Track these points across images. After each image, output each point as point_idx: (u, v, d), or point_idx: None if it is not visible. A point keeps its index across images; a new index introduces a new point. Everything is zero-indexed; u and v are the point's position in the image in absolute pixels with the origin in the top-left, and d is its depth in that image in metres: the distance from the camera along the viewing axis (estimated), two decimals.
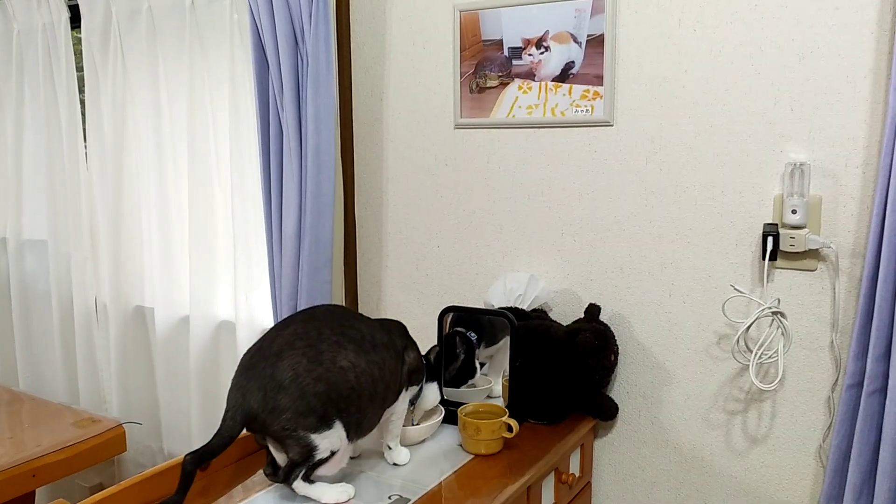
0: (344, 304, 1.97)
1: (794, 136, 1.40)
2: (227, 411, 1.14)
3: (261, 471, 1.28)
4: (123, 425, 2.06)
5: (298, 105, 1.78)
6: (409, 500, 1.21)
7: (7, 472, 1.77)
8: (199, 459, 1.10)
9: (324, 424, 1.15)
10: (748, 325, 1.39)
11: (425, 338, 1.85)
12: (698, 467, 1.58)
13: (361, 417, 1.21)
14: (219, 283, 2.20)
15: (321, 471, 1.20)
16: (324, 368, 1.15)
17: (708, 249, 1.51)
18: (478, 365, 1.59)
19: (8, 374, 2.79)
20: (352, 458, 1.37)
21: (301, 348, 1.16)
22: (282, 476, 1.19)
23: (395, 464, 1.34)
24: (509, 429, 1.37)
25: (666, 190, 1.54)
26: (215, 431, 1.13)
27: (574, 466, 1.58)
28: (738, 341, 1.43)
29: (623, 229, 1.60)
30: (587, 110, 1.59)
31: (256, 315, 2.11)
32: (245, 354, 1.20)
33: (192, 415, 2.24)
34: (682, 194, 1.52)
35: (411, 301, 1.90)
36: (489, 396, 1.65)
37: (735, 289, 1.44)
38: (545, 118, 1.64)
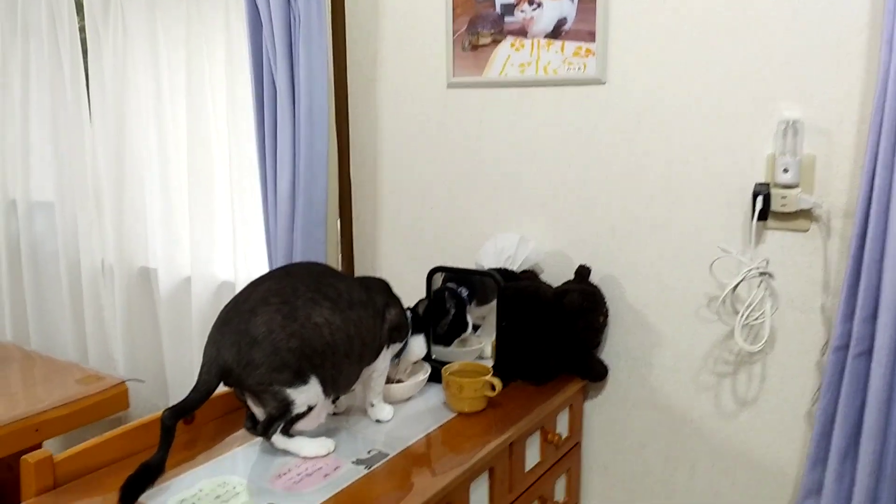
0: (338, 265, 1.97)
1: (787, 93, 1.37)
2: (202, 366, 1.16)
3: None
4: (126, 383, 2.11)
5: (291, 64, 1.77)
6: (388, 454, 1.22)
7: (10, 425, 1.82)
8: (177, 414, 1.11)
9: (299, 379, 1.16)
10: (733, 285, 1.38)
11: (419, 298, 1.86)
12: (688, 429, 1.57)
13: (337, 374, 1.22)
14: (218, 244, 2.22)
15: (300, 425, 1.21)
16: (298, 324, 1.16)
17: (699, 210, 1.49)
18: (469, 320, 1.59)
19: (20, 334, 2.85)
20: (336, 413, 1.39)
21: (276, 304, 1.17)
22: (260, 430, 1.21)
23: (377, 420, 1.35)
24: (492, 387, 1.38)
25: (658, 150, 1.51)
26: (193, 386, 1.14)
27: (562, 427, 1.59)
28: (723, 302, 1.41)
29: (615, 190, 1.58)
30: (579, 68, 1.56)
31: (255, 276, 2.12)
32: (222, 310, 1.21)
33: (196, 373, 2.27)
34: (674, 154, 1.50)
35: (405, 261, 1.90)
36: (480, 357, 1.65)
37: (722, 249, 1.41)
38: (538, 76, 1.61)
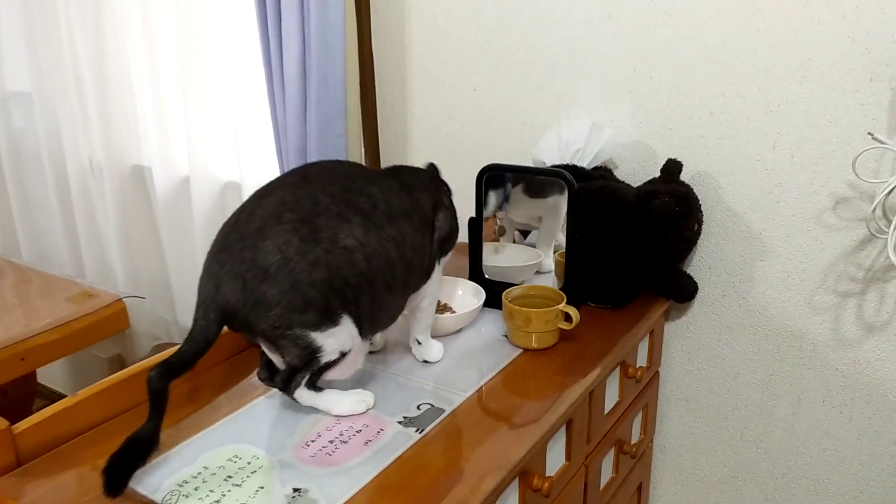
0: (357, 161, 1.65)
1: None
2: (197, 307, 0.87)
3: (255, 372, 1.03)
4: (124, 300, 1.85)
5: None
6: (444, 409, 0.95)
7: None
8: (168, 374, 0.84)
9: (327, 320, 0.88)
10: (891, 187, 1.05)
11: (463, 202, 1.55)
12: (794, 358, 1.30)
13: (376, 309, 0.93)
14: (218, 138, 1.89)
15: (331, 374, 0.94)
16: (322, 249, 0.86)
17: (831, 87, 1.14)
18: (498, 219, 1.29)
19: (10, 246, 2.58)
20: (372, 352, 1.11)
21: (291, 223, 0.86)
22: (280, 383, 0.94)
23: (425, 361, 1.08)
24: (567, 318, 1.09)
25: (777, 6, 1.15)
26: (186, 335, 0.86)
27: (642, 357, 1.32)
28: (875, 209, 1.09)
29: (716, 61, 1.23)
30: None
31: (264, 177, 1.81)
32: (220, 231, 0.91)
33: None
34: (800, 11, 1.14)
35: (443, 158, 1.58)
36: (538, 272, 1.36)
37: (874, 138, 1.08)
38: None
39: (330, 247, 0.87)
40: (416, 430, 0.91)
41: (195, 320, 0.86)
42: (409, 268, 0.97)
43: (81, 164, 2.23)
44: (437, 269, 1.06)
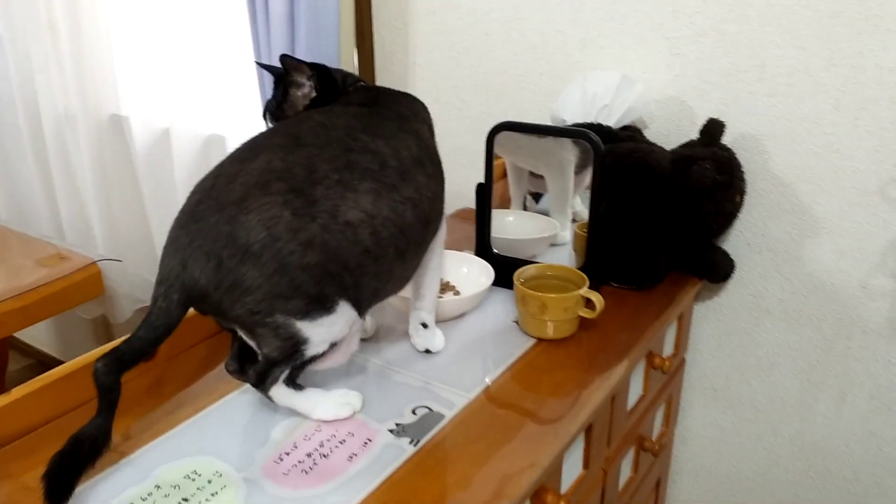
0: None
1: None
2: (158, 285, 0.71)
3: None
4: (100, 263, 1.70)
5: None
6: (443, 416, 0.81)
7: None
8: (118, 366, 0.69)
9: (319, 308, 0.73)
10: None
11: (470, 163, 1.39)
12: (842, 348, 1.15)
13: (383, 283, 0.79)
14: (200, 88, 1.71)
15: (323, 363, 0.79)
16: (318, 226, 0.71)
17: None
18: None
19: None
20: (362, 339, 0.96)
21: (280, 194, 0.70)
22: (253, 378, 0.78)
23: (426, 351, 0.93)
24: (589, 305, 0.94)
25: None
26: (143, 319, 0.71)
27: (668, 344, 1.17)
28: None
29: (771, 4, 1.04)
30: None
31: (252, 131, 1.64)
32: (189, 197, 0.75)
33: None
34: None
35: (450, 112, 1.40)
36: (554, 244, 1.21)
37: None
38: None
39: (328, 222, 0.71)
40: (411, 442, 0.76)
41: (154, 300, 0.70)
42: (426, 224, 0.83)
43: (57, 112, 2.05)
44: (443, 226, 0.91)
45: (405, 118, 0.86)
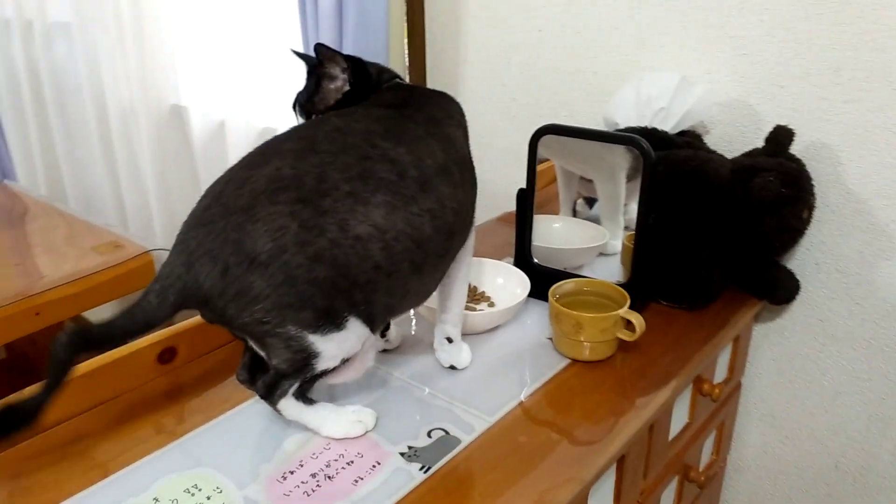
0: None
1: None
2: (155, 281, 0.68)
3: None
4: (152, 253, 1.72)
5: None
6: (460, 441, 0.76)
7: (7, 308, 1.47)
8: (81, 344, 0.66)
9: (328, 322, 0.69)
10: None
11: (518, 164, 1.32)
12: None
13: (398, 298, 0.75)
14: (254, 82, 1.71)
15: (337, 378, 0.76)
16: (327, 240, 0.66)
17: None
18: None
19: (56, 190, 2.50)
20: (386, 350, 0.92)
21: (287, 204, 0.66)
22: (262, 389, 0.75)
23: (451, 367, 0.88)
24: (630, 326, 0.87)
25: None
26: (127, 308, 0.68)
27: (721, 368, 1.08)
28: None
29: (848, 2, 0.94)
30: None
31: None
32: (200, 200, 0.72)
33: None
34: None
35: (499, 112, 1.34)
36: (602, 253, 1.14)
37: None
38: None
39: (338, 237, 0.67)
40: (422, 469, 0.72)
41: (145, 294, 0.67)
42: (450, 236, 0.77)
43: (122, 102, 2.09)
44: (472, 235, 0.86)
45: (436, 121, 0.81)
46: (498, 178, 1.36)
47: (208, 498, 0.69)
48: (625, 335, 0.87)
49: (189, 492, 0.69)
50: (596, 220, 1.18)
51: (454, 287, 0.86)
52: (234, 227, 0.66)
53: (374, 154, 0.72)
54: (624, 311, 0.86)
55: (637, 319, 0.85)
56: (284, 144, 0.72)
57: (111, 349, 0.68)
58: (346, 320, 0.70)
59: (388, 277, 0.71)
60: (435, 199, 0.74)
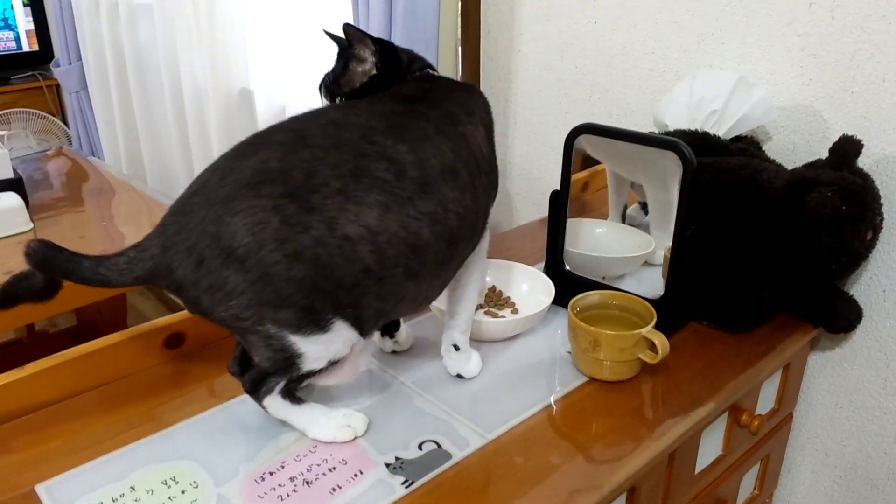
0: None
1: None
2: (133, 247, 0.66)
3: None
4: None
5: None
6: (450, 456, 0.71)
7: None
8: (44, 263, 0.65)
9: (310, 323, 0.66)
10: None
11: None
12: None
13: (391, 304, 0.71)
14: (313, 67, 1.70)
15: (326, 380, 0.73)
16: (310, 238, 0.63)
17: None
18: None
19: (136, 169, 2.59)
20: (395, 352, 0.88)
21: (271, 198, 0.63)
22: (248, 384, 0.73)
23: (458, 376, 0.84)
24: (652, 348, 0.80)
25: None
26: (99, 257, 0.65)
27: (768, 397, 0.99)
28: None
29: None
30: None
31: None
32: (188, 187, 0.69)
33: None
34: None
35: (550, 106, 1.28)
36: (648, 263, 1.06)
37: None
38: None
39: (324, 235, 0.64)
40: (404, 483, 0.68)
41: (120, 253, 0.65)
42: (453, 243, 0.72)
43: (196, 83, 2.14)
44: (484, 238, 0.81)
45: (451, 118, 0.76)
46: (547, 175, 1.30)
47: (183, 492, 0.67)
48: (647, 357, 0.80)
49: (166, 483, 0.68)
50: (647, 228, 1.11)
51: (464, 293, 0.81)
52: (212, 219, 0.64)
53: (370, 151, 0.68)
54: (647, 331, 0.79)
55: (660, 340, 0.78)
56: (275, 136, 0.69)
57: (67, 280, 0.66)
58: (331, 323, 0.66)
59: (379, 282, 0.67)
60: (436, 203, 0.69)
